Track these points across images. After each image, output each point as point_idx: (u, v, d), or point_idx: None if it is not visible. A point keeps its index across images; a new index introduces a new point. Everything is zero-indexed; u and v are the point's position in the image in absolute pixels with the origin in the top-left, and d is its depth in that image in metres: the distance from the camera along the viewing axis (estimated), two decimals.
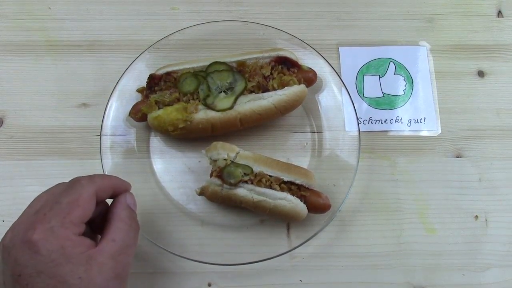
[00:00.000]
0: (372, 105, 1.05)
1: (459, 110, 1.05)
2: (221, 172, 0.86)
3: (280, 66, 0.95)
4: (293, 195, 0.86)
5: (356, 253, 0.93)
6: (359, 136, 0.95)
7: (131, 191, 0.79)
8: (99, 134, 0.94)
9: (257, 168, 0.87)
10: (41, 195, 0.70)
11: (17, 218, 0.68)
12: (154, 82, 0.94)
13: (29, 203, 0.69)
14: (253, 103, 0.92)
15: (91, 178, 0.71)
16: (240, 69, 0.94)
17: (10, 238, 0.64)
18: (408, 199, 0.97)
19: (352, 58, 1.08)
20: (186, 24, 1.03)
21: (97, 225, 0.74)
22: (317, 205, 0.88)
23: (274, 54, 0.95)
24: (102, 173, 0.92)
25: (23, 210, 0.69)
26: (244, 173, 0.86)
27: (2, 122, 0.99)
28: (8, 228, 0.67)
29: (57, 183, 0.72)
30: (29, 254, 0.61)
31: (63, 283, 0.61)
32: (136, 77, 0.98)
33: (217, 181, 0.86)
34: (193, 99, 0.92)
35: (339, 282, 0.91)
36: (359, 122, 1.00)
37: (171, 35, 1.01)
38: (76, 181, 0.69)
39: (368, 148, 1.00)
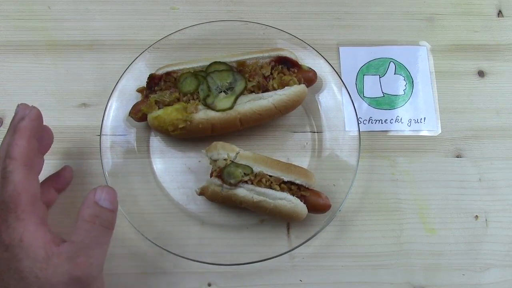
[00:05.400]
0: (372, 105, 1.05)
1: (459, 110, 1.05)
2: (221, 172, 0.86)
3: (280, 66, 0.95)
4: (293, 195, 0.86)
5: (356, 253, 0.93)
6: (359, 136, 0.95)
7: (110, 185, 0.74)
8: (99, 134, 0.94)
9: (257, 168, 0.87)
10: None
11: None
12: (154, 82, 0.94)
13: None
14: (253, 103, 0.92)
15: (10, 157, 0.67)
16: (240, 69, 0.94)
17: None
18: (408, 199, 0.97)
19: (352, 58, 1.08)
20: (186, 24, 1.03)
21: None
22: (317, 205, 0.88)
23: (274, 54, 0.95)
24: (102, 173, 0.92)
25: None
26: (244, 173, 0.86)
27: (2, 122, 0.99)
28: None
29: None
30: (1, 252, 0.63)
31: (24, 280, 0.62)
32: (136, 77, 0.98)
33: (217, 181, 0.86)
34: (193, 99, 0.92)
35: (339, 282, 0.91)
36: (359, 122, 1.00)
37: (171, 35, 1.01)
38: (3, 171, 0.67)
39: (368, 148, 1.00)
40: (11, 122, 0.73)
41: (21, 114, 0.72)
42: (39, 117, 0.73)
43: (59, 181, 0.88)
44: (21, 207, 0.64)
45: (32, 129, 0.71)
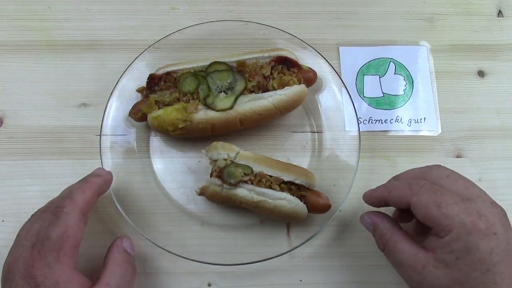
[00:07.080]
0: (372, 105, 1.05)
1: (459, 110, 1.05)
2: (221, 172, 0.86)
3: (280, 66, 0.95)
4: (293, 195, 0.86)
5: (356, 253, 0.93)
6: (359, 136, 0.95)
7: (128, 236, 0.82)
8: (99, 134, 0.94)
9: (257, 168, 0.87)
10: (31, 226, 0.70)
11: (12, 247, 0.70)
12: (154, 82, 0.94)
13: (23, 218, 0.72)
14: (253, 103, 0.92)
15: (72, 199, 0.72)
16: (240, 69, 0.94)
17: (11, 270, 0.66)
18: None
19: (352, 58, 1.08)
20: (186, 24, 1.03)
21: None
22: (317, 205, 0.88)
23: (274, 54, 0.95)
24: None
25: (16, 240, 0.70)
26: (244, 173, 0.86)
27: (2, 122, 0.99)
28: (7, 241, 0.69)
29: (40, 210, 0.73)
30: None
31: None
32: (136, 77, 0.98)
33: (217, 181, 0.86)
34: (193, 99, 0.92)
35: (339, 282, 0.91)
36: (359, 122, 1.00)
37: (171, 35, 1.01)
38: (59, 210, 0.70)
39: (368, 148, 1.00)
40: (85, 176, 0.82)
41: (97, 173, 0.83)
42: (110, 181, 0.85)
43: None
44: (64, 250, 0.67)
45: (100, 187, 0.79)
